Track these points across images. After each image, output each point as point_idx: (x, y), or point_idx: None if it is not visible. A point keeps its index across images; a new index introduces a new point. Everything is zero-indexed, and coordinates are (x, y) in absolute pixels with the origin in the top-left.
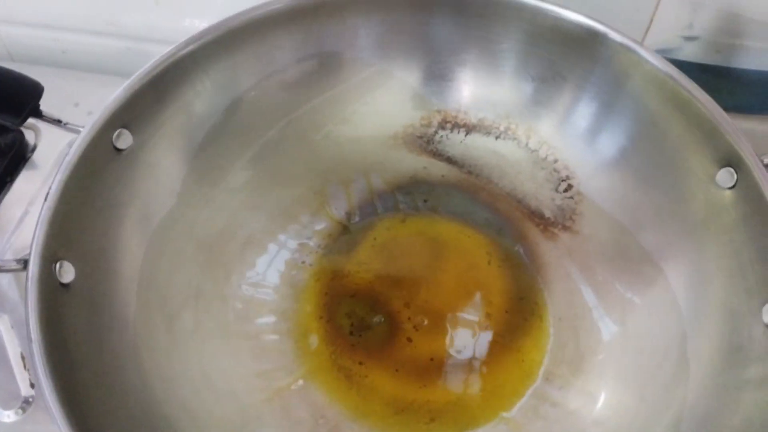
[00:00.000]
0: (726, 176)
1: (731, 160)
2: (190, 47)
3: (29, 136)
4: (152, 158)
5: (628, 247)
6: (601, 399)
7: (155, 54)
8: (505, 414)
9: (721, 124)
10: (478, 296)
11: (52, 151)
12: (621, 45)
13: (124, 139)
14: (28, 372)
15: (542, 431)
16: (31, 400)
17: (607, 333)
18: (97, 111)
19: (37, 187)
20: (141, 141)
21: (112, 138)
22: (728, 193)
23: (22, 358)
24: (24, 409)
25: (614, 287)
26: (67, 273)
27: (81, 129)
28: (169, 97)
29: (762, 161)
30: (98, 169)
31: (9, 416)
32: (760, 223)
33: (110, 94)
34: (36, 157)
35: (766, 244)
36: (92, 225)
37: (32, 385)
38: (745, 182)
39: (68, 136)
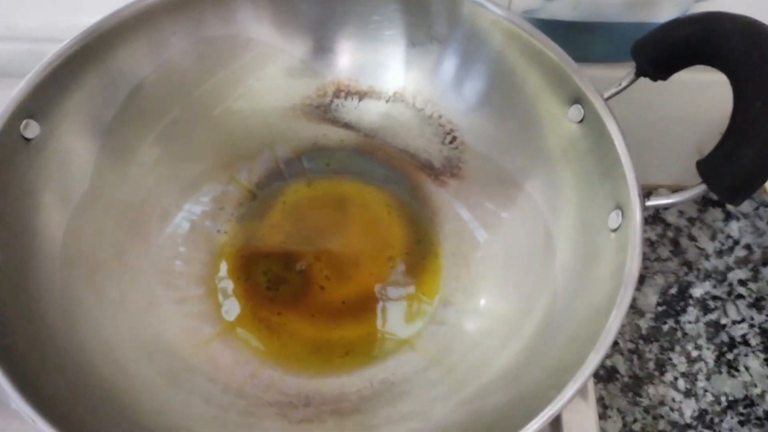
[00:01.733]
0: (575, 112)
1: (579, 98)
2: (88, 38)
3: None
4: (61, 145)
5: (498, 176)
6: (484, 310)
7: None
8: (404, 336)
9: (569, 69)
10: (380, 244)
11: None
12: (480, 5)
13: (32, 129)
14: None
15: (438, 347)
16: None
17: (483, 242)
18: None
19: None
20: (48, 129)
21: (19, 128)
22: (577, 126)
23: None
24: None
25: (487, 207)
26: None
27: None
28: (72, 86)
29: (603, 96)
30: (9, 158)
31: None
32: (603, 149)
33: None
34: None
35: (608, 165)
36: (10, 211)
37: None
38: (590, 116)
39: None
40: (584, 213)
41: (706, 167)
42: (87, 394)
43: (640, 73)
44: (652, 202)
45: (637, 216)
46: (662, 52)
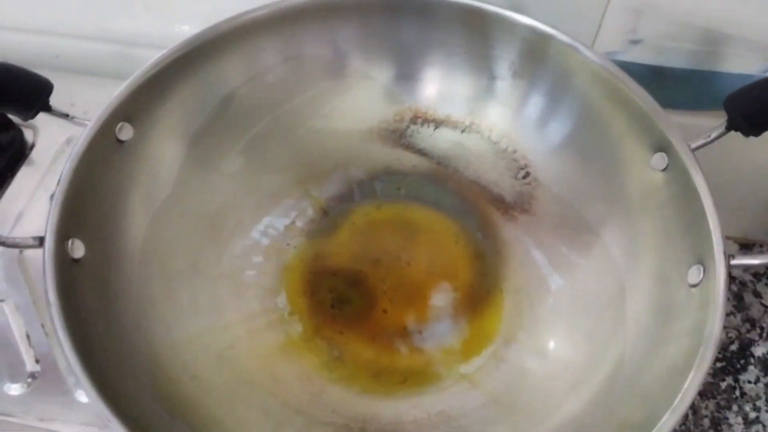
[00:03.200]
0: (659, 160)
1: (663, 146)
2: (185, 50)
3: (27, 135)
4: (152, 149)
5: (573, 220)
6: (550, 354)
7: (145, 58)
8: (464, 371)
9: (655, 115)
10: (445, 273)
11: (49, 149)
12: (568, 46)
13: (126, 132)
14: (33, 349)
15: (499, 385)
16: (36, 374)
17: (554, 286)
18: (94, 110)
19: (36, 183)
20: (141, 133)
21: (115, 131)
22: (660, 175)
23: (27, 337)
24: (29, 384)
25: (560, 251)
26: (78, 249)
27: (87, 122)
28: (167, 94)
29: (690, 147)
30: (103, 158)
31: (17, 389)
32: (686, 201)
33: (103, 95)
34: (34, 154)
35: (691, 218)
36: (99, 208)
37: (37, 361)
38: (675, 165)
39: (65, 135)
40: (662, 265)
41: None
42: (154, 394)
43: (731, 126)
44: (738, 261)
45: (721, 274)
46: (756, 108)
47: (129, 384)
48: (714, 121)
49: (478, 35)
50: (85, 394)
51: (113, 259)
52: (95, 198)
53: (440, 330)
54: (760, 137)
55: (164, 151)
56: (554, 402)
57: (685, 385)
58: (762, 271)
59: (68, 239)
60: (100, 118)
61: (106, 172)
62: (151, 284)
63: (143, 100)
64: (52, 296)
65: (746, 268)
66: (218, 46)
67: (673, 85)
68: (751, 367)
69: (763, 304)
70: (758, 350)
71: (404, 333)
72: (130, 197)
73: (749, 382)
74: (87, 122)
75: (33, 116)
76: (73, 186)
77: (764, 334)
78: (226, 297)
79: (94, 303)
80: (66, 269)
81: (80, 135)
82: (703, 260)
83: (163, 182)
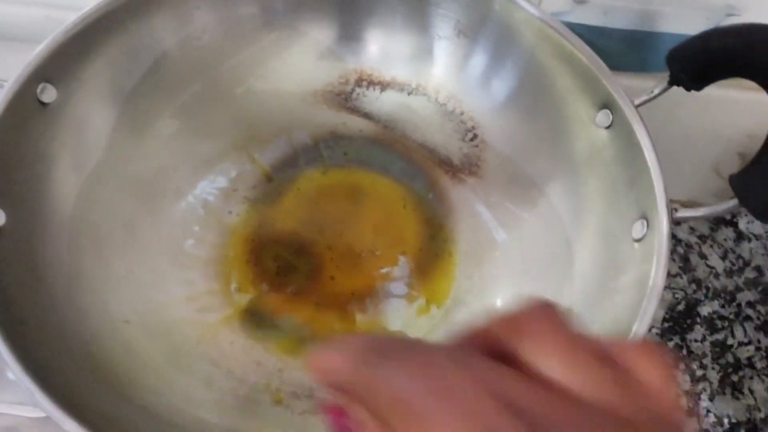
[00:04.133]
0: (603, 117)
1: (608, 103)
2: (111, 6)
3: None
4: (78, 112)
5: (521, 179)
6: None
7: None
8: (413, 335)
9: (599, 72)
10: (394, 238)
11: None
12: (513, 3)
13: (49, 93)
14: None
15: None
16: None
17: (502, 245)
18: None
19: None
20: (66, 95)
21: (36, 92)
22: (605, 132)
23: None
24: None
25: (507, 209)
26: None
27: (4, 83)
28: (92, 53)
29: (633, 103)
30: (24, 121)
31: None
32: (630, 156)
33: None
34: None
35: (635, 173)
36: (22, 175)
37: None
38: (619, 122)
39: None
40: (607, 221)
41: (740, 182)
42: (87, 368)
43: (673, 81)
44: (681, 214)
45: (664, 227)
46: (699, 62)
47: (62, 360)
48: (658, 84)
49: None
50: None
51: (39, 228)
52: (17, 164)
53: (389, 296)
54: (705, 99)
55: (92, 114)
56: None
57: (630, 337)
58: (707, 233)
59: None
60: (19, 78)
61: (28, 137)
62: (83, 255)
63: (66, 59)
64: None
65: (689, 220)
66: (148, 3)
67: (617, 47)
68: (698, 327)
69: (708, 265)
70: (704, 310)
71: (352, 299)
72: (56, 163)
73: (696, 341)
74: (4, 82)
75: None
76: None
77: (710, 294)
78: (165, 266)
79: (20, 275)
80: None
81: None
82: (646, 215)
83: (92, 147)
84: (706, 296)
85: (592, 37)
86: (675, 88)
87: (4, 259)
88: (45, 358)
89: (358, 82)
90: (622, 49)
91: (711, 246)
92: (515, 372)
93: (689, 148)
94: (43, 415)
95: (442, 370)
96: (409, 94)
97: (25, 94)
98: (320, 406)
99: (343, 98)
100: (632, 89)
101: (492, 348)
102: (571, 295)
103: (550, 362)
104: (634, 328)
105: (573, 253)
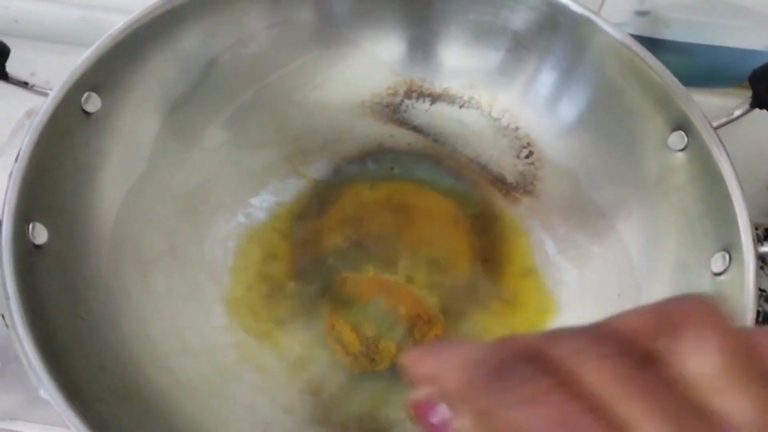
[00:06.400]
0: (677, 139)
1: (682, 124)
2: (157, 13)
3: None
4: (123, 121)
5: (583, 204)
6: None
7: (111, 23)
8: None
9: (673, 91)
10: (444, 259)
11: (7, 123)
12: (580, 16)
13: (93, 103)
14: None
15: None
16: None
17: (563, 273)
18: (56, 80)
19: None
20: (110, 104)
21: (80, 101)
22: (679, 155)
23: None
24: None
25: (573, 238)
26: (39, 234)
27: (49, 92)
28: (138, 61)
29: (711, 125)
30: (67, 131)
31: None
32: (707, 182)
33: (67, 64)
34: None
35: (713, 201)
36: (64, 187)
37: None
38: (694, 144)
39: (25, 106)
40: (681, 252)
41: None
42: (124, 393)
43: (756, 103)
44: (766, 248)
45: (750, 262)
46: None
47: (98, 382)
48: (728, 101)
49: (482, 3)
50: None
51: (80, 244)
52: (59, 176)
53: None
54: None
55: (137, 124)
56: None
57: None
58: None
59: (29, 223)
60: (64, 86)
61: (71, 147)
62: (123, 272)
63: (112, 67)
64: (11, 288)
65: None
66: (195, 10)
67: (679, 61)
68: None
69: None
70: None
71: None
72: (99, 175)
73: None
74: (49, 91)
75: None
76: (33, 163)
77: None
78: (206, 283)
79: (60, 294)
80: (26, 257)
81: (41, 106)
82: (728, 247)
83: (136, 158)
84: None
85: (652, 50)
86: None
87: (45, 278)
88: (82, 382)
89: (408, 94)
90: (683, 63)
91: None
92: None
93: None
94: None
95: (566, 406)
96: (461, 107)
97: (69, 104)
98: (411, 400)
99: (392, 110)
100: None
101: (629, 346)
102: None
103: (708, 370)
104: None
105: (642, 286)
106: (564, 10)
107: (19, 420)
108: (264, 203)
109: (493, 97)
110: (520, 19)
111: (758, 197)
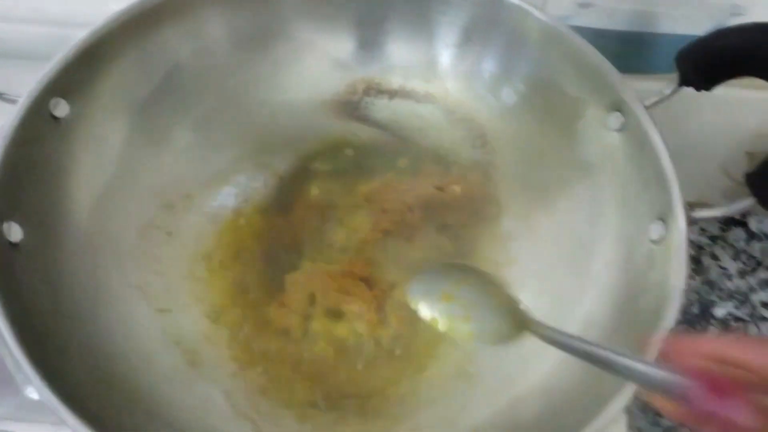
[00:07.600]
0: (614, 120)
1: (618, 106)
2: (120, 21)
3: None
4: (92, 125)
5: (534, 184)
6: None
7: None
8: None
9: (608, 74)
10: (407, 246)
11: None
12: (520, 9)
13: (62, 108)
14: None
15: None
16: None
17: (518, 250)
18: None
19: None
20: (79, 109)
21: (49, 107)
22: (617, 134)
23: None
24: None
25: (522, 215)
26: (15, 233)
27: (18, 99)
28: (104, 67)
29: (644, 105)
30: (37, 136)
31: None
32: (644, 158)
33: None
34: None
35: (649, 175)
36: (37, 189)
37: None
38: (630, 124)
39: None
40: (623, 224)
41: (757, 180)
42: (108, 382)
43: (683, 82)
44: (698, 214)
45: (682, 227)
46: (708, 61)
47: (84, 376)
48: (667, 85)
49: (429, 1)
50: (36, 391)
51: (56, 242)
52: (32, 178)
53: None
54: (712, 100)
55: (106, 128)
56: (522, 368)
57: (653, 338)
58: (718, 234)
59: (3, 222)
60: (32, 93)
61: (42, 151)
62: (103, 268)
63: (78, 74)
64: None
65: (707, 219)
66: (157, 17)
67: (622, 49)
68: (712, 328)
69: (720, 267)
70: (718, 312)
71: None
72: (71, 177)
73: None
74: (18, 98)
75: None
76: (6, 166)
77: (723, 296)
78: (179, 278)
79: (39, 290)
80: (3, 254)
81: (11, 112)
82: (663, 216)
83: (106, 160)
84: (719, 298)
85: (596, 39)
86: (684, 88)
87: (23, 275)
88: (68, 377)
89: (366, 92)
90: (626, 51)
91: (723, 247)
92: None
93: (697, 148)
94: None
95: None
96: (418, 102)
97: (38, 110)
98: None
99: (352, 107)
100: (641, 92)
101: None
102: (591, 299)
103: None
104: (659, 329)
105: (591, 257)
106: (505, 4)
107: (8, 420)
108: (231, 199)
109: (447, 90)
110: (466, 15)
111: (714, 178)
